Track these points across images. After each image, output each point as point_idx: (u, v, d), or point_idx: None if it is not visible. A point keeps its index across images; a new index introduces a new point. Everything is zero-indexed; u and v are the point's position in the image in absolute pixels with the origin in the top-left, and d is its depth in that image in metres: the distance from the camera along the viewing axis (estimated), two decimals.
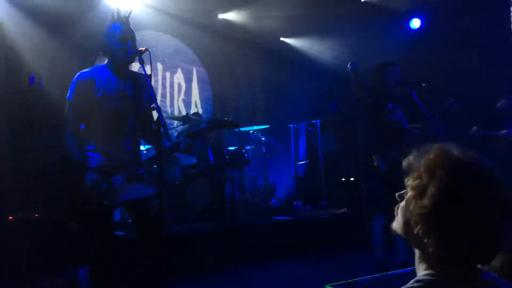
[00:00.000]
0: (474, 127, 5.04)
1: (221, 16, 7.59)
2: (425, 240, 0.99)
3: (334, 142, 7.33)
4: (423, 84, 4.01)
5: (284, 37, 8.24)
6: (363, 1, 7.42)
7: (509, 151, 4.77)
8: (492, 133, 4.90)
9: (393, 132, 3.95)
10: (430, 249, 0.99)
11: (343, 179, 7.18)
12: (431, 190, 0.98)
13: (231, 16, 7.59)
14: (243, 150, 6.20)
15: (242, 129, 6.54)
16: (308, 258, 4.97)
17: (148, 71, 2.74)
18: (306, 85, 7.68)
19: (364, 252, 4.51)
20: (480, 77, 6.37)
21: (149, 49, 2.78)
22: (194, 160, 5.71)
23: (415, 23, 7.27)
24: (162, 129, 2.60)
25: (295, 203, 6.43)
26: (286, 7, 7.15)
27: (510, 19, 6.17)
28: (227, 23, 7.71)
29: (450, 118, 4.44)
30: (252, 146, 6.74)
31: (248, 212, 6.07)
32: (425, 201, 0.98)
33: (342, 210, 6.15)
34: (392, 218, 1.13)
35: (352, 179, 7.12)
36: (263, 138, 6.83)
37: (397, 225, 1.09)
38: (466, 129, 5.18)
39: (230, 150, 6.08)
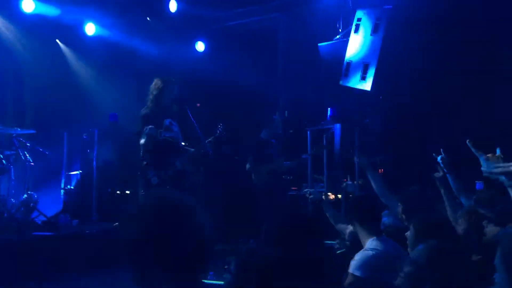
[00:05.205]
0: (250, 158, 5.44)
1: None
2: None
3: (112, 153, 7.04)
4: (198, 104, 4.22)
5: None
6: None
7: (268, 182, 5.35)
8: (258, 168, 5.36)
9: (169, 147, 4.03)
10: None
11: (118, 192, 6.93)
12: None
13: None
14: (1, 156, 5.37)
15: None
16: (70, 279, 4.57)
17: None
18: (87, 91, 7.23)
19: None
20: (258, 102, 7.08)
21: None
22: None
23: (200, 46, 7.64)
24: None
25: (61, 217, 5.87)
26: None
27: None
28: None
29: (223, 141, 4.76)
30: (14, 152, 5.89)
31: (2, 227, 5.26)
32: None
33: (114, 225, 5.90)
34: None
35: (128, 192, 6.94)
36: (28, 144, 6.05)
37: None
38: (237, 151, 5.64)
39: None
